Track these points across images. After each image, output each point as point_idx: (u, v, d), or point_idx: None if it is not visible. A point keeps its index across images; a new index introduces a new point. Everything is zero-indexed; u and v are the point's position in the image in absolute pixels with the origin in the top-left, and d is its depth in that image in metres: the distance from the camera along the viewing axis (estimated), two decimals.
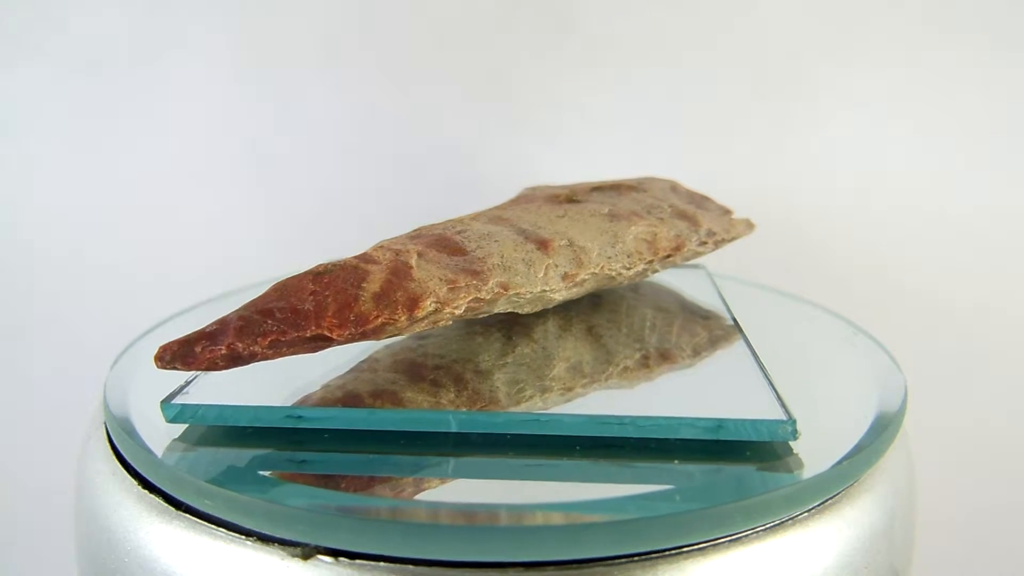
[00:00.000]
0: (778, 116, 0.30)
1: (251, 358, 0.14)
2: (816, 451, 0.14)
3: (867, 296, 0.30)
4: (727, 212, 0.23)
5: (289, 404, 0.15)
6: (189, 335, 0.14)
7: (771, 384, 0.15)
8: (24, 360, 0.32)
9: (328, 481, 0.13)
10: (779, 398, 0.14)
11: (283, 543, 0.12)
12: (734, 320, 0.19)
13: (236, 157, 0.32)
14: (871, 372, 0.18)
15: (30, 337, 0.32)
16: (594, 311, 0.20)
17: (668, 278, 0.23)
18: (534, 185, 0.24)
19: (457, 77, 0.31)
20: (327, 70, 0.31)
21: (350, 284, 0.15)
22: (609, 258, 0.18)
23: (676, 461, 0.14)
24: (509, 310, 0.18)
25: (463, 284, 0.16)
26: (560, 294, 0.18)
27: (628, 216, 0.19)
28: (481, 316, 0.17)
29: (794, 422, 0.13)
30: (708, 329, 0.19)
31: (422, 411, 0.15)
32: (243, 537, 0.13)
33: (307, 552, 0.12)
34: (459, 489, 0.13)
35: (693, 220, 0.20)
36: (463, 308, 0.16)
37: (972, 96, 0.29)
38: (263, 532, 0.12)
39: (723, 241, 0.21)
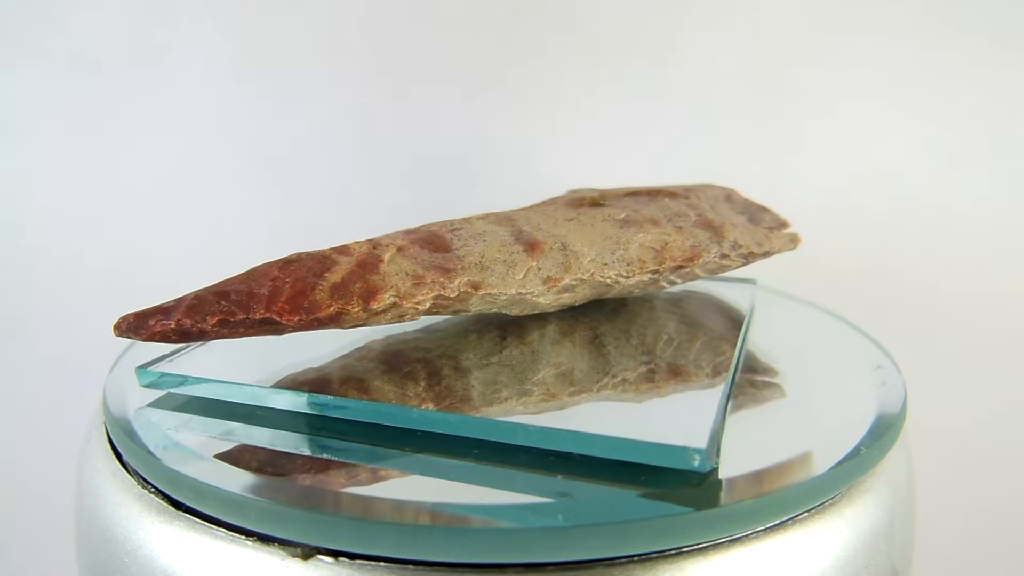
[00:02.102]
0: (777, 115, 0.30)
1: (201, 335, 0.15)
2: (816, 452, 0.14)
3: (867, 296, 0.30)
4: (782, 225, 0.22)
5: (267, 385, 0.16)
6: (148, 308, 0.15)
7: (722, 411, 0.15)
8: (24, 360, 0.32)
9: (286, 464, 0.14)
10: (714, 426, 0.14)
11: (283, 543, 0.12)
12: (741, 338, 0.19)
13: (236, 157, 0.32)
14: (871, 374, 0.18)
15: (30, 337, 0.32)
16: (609, 319, 0.19)
17: (718, 290, 0.22)
18: (576, 188, 0.24)
19: (458, 76, 0.31)
20: (328, 70, 0.31)
21: (312, 273, 0.16)
22: (605, 265, 0.18)
23: (559, 476, 0.13)
24: (492, 311, 0.18)
25: (429, 280, 0.16)
26: (545, 298, 0.18)
27: (642, 223, 0.19)
28: (463, 314, 0.18)
29: (703, 451, 0.13)
30: (719, 345, 0.18)
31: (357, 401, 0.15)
32: (243, 537, 0.13)
33: (307, 552, 0.12)
34: (455, 489, 0.13)
35: (718, 231, 0.19)
36: (428, 304, 0.16)
37: (972, 95, 0.29)
38: (263, 532, 0.12)
39: (754, 255, 0.20)
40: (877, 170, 0.30)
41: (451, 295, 0.16)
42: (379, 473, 0.14)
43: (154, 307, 0.15)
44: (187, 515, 0.13)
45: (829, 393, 0.17)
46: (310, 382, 0.16)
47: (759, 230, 0.21)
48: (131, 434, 0.15)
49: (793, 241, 0.21)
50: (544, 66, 0.31)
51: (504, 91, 0.31)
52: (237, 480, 0.13)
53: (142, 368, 0.17)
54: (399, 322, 0.17)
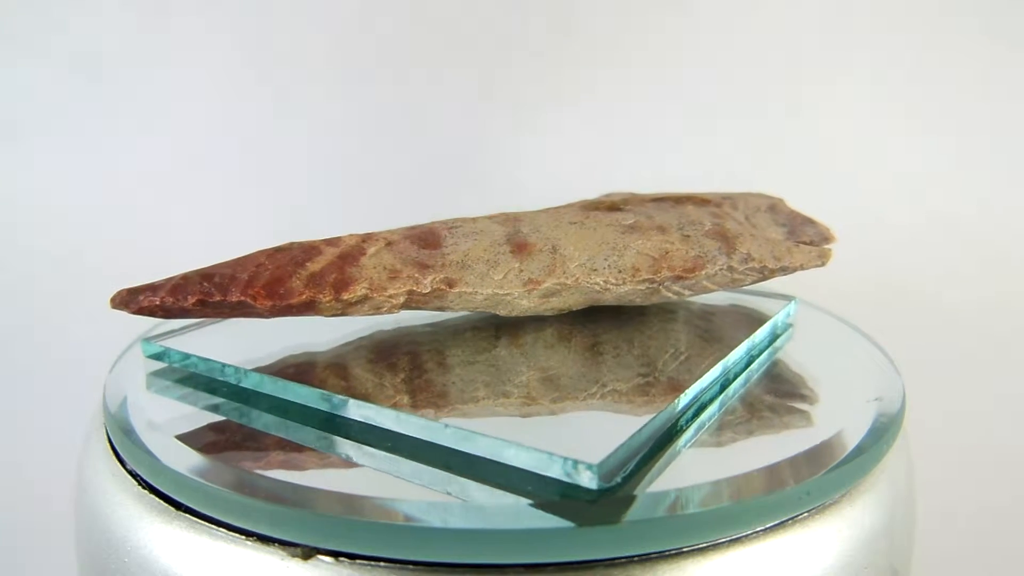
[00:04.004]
0: (778, 116, 0.30)
1: (182, 313, 0.16)
2: (817, 453, 0.14)
3: (866, 296, 0.30)
4: (825, 240, 0.20)
5: (252, 366, 0.16)
6: (141, 285, 0.17)
7: (654, 430, 0.14)
8: (24, 360, 0.32)
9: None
10: (626, 443, 0.13)
11: (283, 543, 0.12)
12: (732, 353, 0.18)
13: (236, 157, 0.32)
14: (870, 374, 0.18)
15: (30, 337, 0.32)
16: (616, 327, 0.19)
17: (758, 305, 0.21)
18: (610, 191, 0.23)
19: (458, 76, 0.31)
20: (328, 69, 0.31)
21: (295, 262, 0.17)
22: (593, 271, 0.17)
23: (462, 476, 0.13)
24: (479, 310, 0.18)
25: (405, 275, 0.17)
26: (528, 300, 0.17)
27: (647, 230, 0.18)
28: (449, 311, 0.18)
29: (594, 467, 0.12)
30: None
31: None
32: (243, 537, 0.12)
33: (307, 552, 0.12)
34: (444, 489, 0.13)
35: (731, 242, 0.18)
36: (402, 298, 0.17)
37: (973, 96, 0.29)
38: (263, 532, 0.12)
39: (769, 270, 0.19)
40: (877, 171, 0.30)
41: (424, 291, 0.17)
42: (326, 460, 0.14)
43: (146, 284, 0.17)
44: (187, 515, 0.13)
45: (829, 394, 0.17)
46: (297, 365, 0.17)
47: (781, 244, 0.19)
48: (130, 435, 0.15)
49: (821, 257, 0.20)
50: (545, 65, 0.31)
51: (505, 90, 0.31)
52: (237, 481, 0.13)
53: (147, 340, 0.18)
54: (378, 314, 0.17)
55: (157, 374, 0.17)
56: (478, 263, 0.17)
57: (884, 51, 0.30)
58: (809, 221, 0.21)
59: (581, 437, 0.14)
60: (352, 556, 0.12)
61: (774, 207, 0.21)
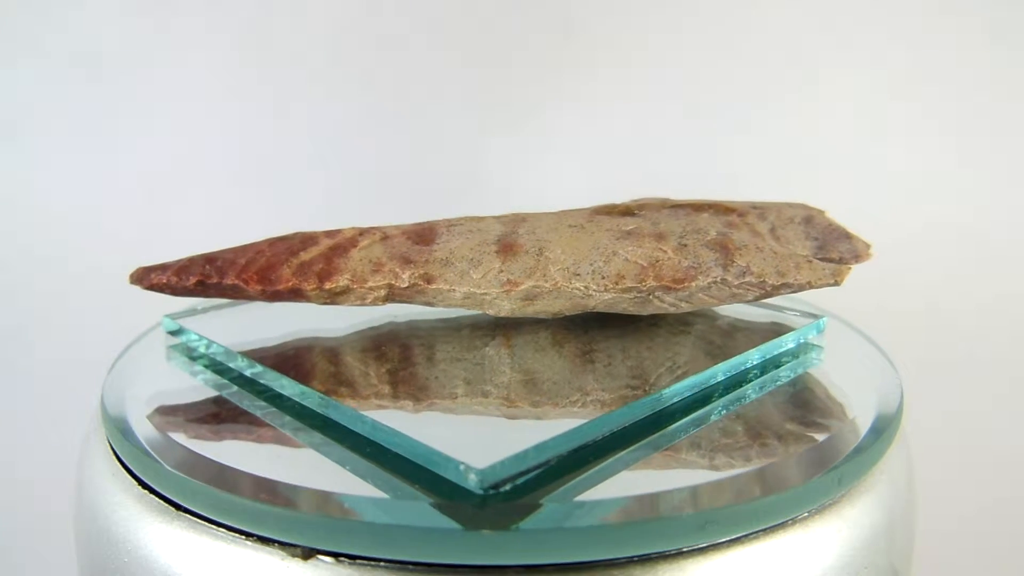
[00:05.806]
0: (777, 116, 0.30)
1: (185, 292, 0.18)
2: (817, 452, 0.14)
3: (866, 297, 0.30)
4: (857, 257, 0.19)
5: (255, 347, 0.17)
6: (155, 264, 0.18)
7: (572, 438, 0.14)
8: (24, 360, 0.32)
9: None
10: (529, 450, 0.13)
11: (283, 543, 0.12)
12: (721, 367, 0.17)
13: (236, 157, 0.32)
14: (869, 375, 0.18)
15: (30, 337, 0.32)
16: (617, 336, 0.18)
17: (794, 322, 0.20)
18: (639, 196, 0.22)
19: (458, 76, 0.31)
20: (328, 70, 0.31)
21: (291, 251, 0.18)
22: (575, 275, 0.17)
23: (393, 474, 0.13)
24: (460, 307, 0.18)
25: (387, 269, 0.17)
26: (508, 302, 0.17)
27: (643, 237, 0.17)
28: (434, 306, 0.18)
29: (480, 471, 0.12)
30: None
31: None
32: (243, 537, 0.12)
33: (307, 552, 0.12)
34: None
35: (731, 254, 0.17)
36: (383, 292, 0.17)
37: (973, 96, 0.29)
38: (263, 533, 0.12)
39: (772, 286, 0.17)
40: (876, 171, 0.30)
41: (402, 285, 0.17)
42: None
43: (159, 263, 0.18)
44: (187, 515, 0.13)
45: (827, 395, 0.17)
46: (298, 349, 0.17)
47: (789, 259, 0.18)
48: (130, 434, 0.15)
49: (835, 275, 0.18)
50: (545, 65, 0.31)
51: (505, 90, 0.31)
52: (236, 482, 0.13)
53: (169, 316, 0.19)
54: (363, 305, 0.18)
55: (175, 348, 0.19)
56: (461, 261, 0.17)
57: (884, 51, 0.30)
58: (845, 236, 0.20)
59: (517, 441, 0.13)
60: (352, 556, 0.12)
61: (810, 219, 0.20)
